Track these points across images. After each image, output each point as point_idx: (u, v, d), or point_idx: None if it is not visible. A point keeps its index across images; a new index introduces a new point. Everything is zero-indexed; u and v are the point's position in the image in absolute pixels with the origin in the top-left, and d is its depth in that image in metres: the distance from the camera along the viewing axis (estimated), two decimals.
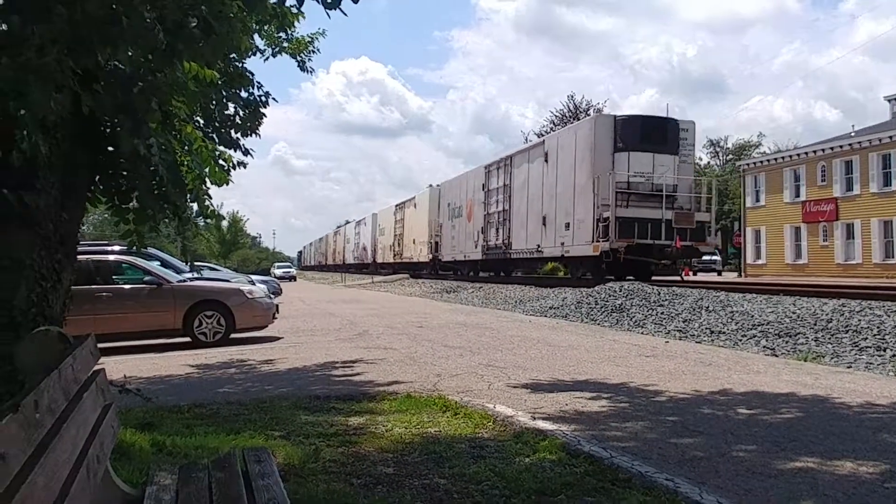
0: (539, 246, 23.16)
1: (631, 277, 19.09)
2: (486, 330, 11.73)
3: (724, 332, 10.35)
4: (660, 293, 14.34)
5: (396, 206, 45.50)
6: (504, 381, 6.67)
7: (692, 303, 12.86)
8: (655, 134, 19.72)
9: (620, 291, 15.22)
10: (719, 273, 42.11)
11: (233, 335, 11.01)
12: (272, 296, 13.23)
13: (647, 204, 19.35)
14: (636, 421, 4.95)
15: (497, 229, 26.82)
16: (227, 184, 5.53)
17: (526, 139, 57.18)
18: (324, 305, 20.27)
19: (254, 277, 20.37)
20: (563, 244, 21.43)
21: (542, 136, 39.25)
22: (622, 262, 18.79)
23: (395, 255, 44.18)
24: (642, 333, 11.24)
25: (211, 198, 5.08)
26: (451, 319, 14.00)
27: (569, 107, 57.90)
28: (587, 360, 8.09)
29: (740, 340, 9.73)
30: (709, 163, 62.33)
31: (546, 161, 22.76)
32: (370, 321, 13.94)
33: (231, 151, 6.29)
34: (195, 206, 4.62)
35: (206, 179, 5.15)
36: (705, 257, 45.27)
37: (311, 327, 13.05)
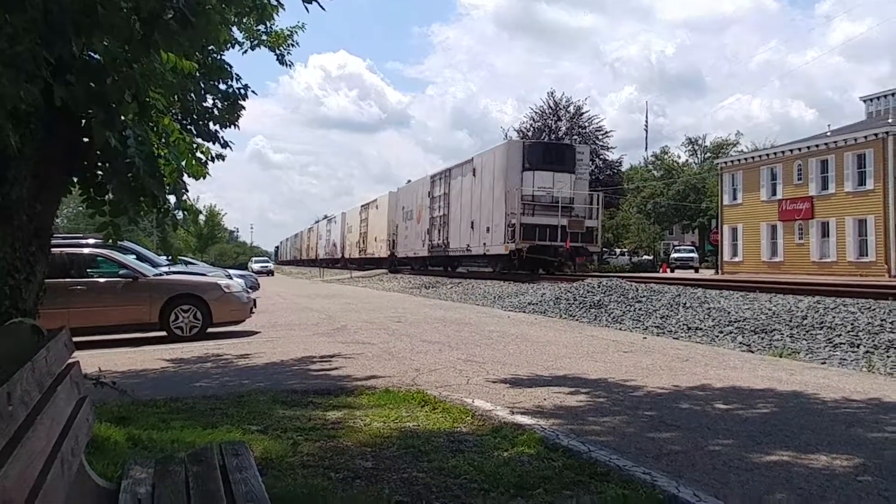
0: (469, 245, 28.68)
1: (542, 271, 24.86)
2: (464, 325, 11.74)
3: (701, 329, 10.48)
4: (637, 290, 14.48)
5: (362, 206, 50.51)
6: (483, 375, 6.68)
7: (670, 299, 13.00)
8: (556, 156, 25.38)
9: (599, 288, 15.34)
10: (696, 270, 42.61)
11: (209, 329, 10.92)
12: (250, 290, 13.16)
13: (548, 213, 24.48)
14: (614, 416, 4.99)
15: (439, 230, 32.29)
16: (204, 177, 5.42)
17: (506, 135, 57.58)
18: (302, 300, 20.18)
19: (231, 272, 20.25)
20: (485, 244, 26.89)
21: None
22: (525, 259, 24.57)
23: (360, 252, 49.05)
24: (620, 329, 11.33)
25: (188, 191, 5.03)
26: (430, 315, 14.01)
27: (549, 104, 58.14)
28: (565, 355, 8.12)
29: (717, 337, 9.85)
30: (687, 160, 62.92)
31: (474, 175, 28.14)
32: (348, 316, 13.90)
33: (210, 144, 6.14)
34: (173, 198, 4.57)
35: (185, 172, 5.08)
36: (683, 254, 46.22)
37: (289, 322, 12.98)
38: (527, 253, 24.35)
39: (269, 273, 53.73)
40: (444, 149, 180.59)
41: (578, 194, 25.16)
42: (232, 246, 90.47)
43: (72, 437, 1.79)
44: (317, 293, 24.65)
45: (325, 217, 73.24)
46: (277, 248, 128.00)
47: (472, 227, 28.13)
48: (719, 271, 38.74)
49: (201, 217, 64.61)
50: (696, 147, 63.67)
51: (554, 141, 27.05)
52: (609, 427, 4.67)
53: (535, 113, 58.15)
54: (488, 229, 26.33)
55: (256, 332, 11.15)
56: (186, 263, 18.99)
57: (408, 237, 37.69)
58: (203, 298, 10.88)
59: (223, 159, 6.10)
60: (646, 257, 52.77)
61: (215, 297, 10.97)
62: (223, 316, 11.02)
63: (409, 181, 41.13)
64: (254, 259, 63.28)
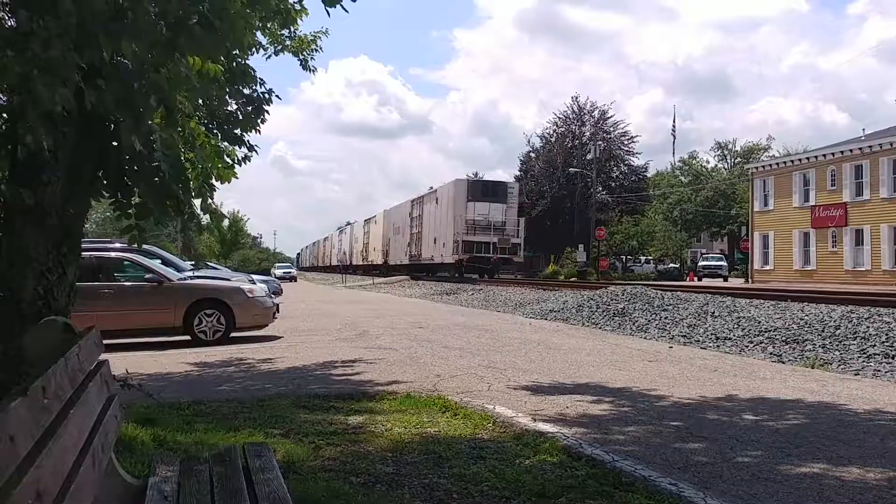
0: (433, 256, 39.35)
1: (485, 276, 34.78)
2: (486, 332, 11.81)
3: (729, 338, 10.36)
4: (663, 298, 14.34)
5: (365, 221, 62.28)
6: (504, 382, 6.70)
7: (697, 308, 12.86)
8: (492, 191, 36.48)
9: (623, 295, 15.23)
10: (725, 279, 42.04)
11: (233, 334, 11.03)
12: (273, 295, 13.29)
13: (484, 233, 35.61)
14: (639, 425, 4.96)
15: (415, 244, 43.44)
16: (230, 180, 5.48)
17: (528, 141, 58.84)
18: (324, 306, 20.42)
19: (254, 277, 20.53)
20: (441, 255, 37.70)
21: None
22: (466, 267, 35.60)
23: (363, 259, 59.71)
24: (645, 338, 11.25)
25: (213, 195, 5.12)
26: (452, 321, 14.11)
27: (573, 108, 58.05)
28: (588, 363, 8.10)
29: (746, 347, 9.73)
30: (716, 165, 62.20)
31: (437, 203, 39.32)
32: (370, 322, 14.03)
33: (235, 147, 6.15)
34: (198, 202, 4.66)
35: (212, 175, 5.08)
36: (711, 262, 45.80)
37: (311, 327, 13.13)
38: (466, 262, 35.39)
39: (292, 279, 54.87)
40: (465, 156, 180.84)
41: (509, 219, 35.92)
42: (255, 252, 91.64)
43: (102, 433, 1.84)
44: (339, 299, 24.94)
45: (339, 228, 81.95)
46: (299, 254, 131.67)
47: (434, 242, 39.00)
48: (749, 280, 38.20)
49: (225, 222, 65.53)
50: (726, 152, 62.96)
51: (491, 180, 39.53)
52: (634, 437, 4.64)
53: (559, 118, 58.21)
54: (444, 244, 37.14)
55: (279, 337, 11.29)
56: (212, 268, 19.28)
57: (395, 249, 48.31)
58: (227, 303, 10.97)
59: (249, 160, 6.14)
60: (672, 265, 52.23)
61: (239, 302, 11.07)
62: (246, 321, 11.13)
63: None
64: (277, 265, 64.88)
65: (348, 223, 79.30)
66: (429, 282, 34.47)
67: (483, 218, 35.59)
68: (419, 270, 42.75)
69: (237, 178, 5.66)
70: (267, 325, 11.63)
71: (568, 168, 51.82)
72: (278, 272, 53.69)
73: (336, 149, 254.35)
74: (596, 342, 10.44)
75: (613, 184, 56.09)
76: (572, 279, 36.90)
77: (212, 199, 4.89)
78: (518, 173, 58.53)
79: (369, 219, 60.43)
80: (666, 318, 12.59)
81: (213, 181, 5.06)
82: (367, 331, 12.17)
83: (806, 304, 12.36)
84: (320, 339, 10.92)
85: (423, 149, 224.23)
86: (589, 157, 51.07)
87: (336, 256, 73.11)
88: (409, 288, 31.90)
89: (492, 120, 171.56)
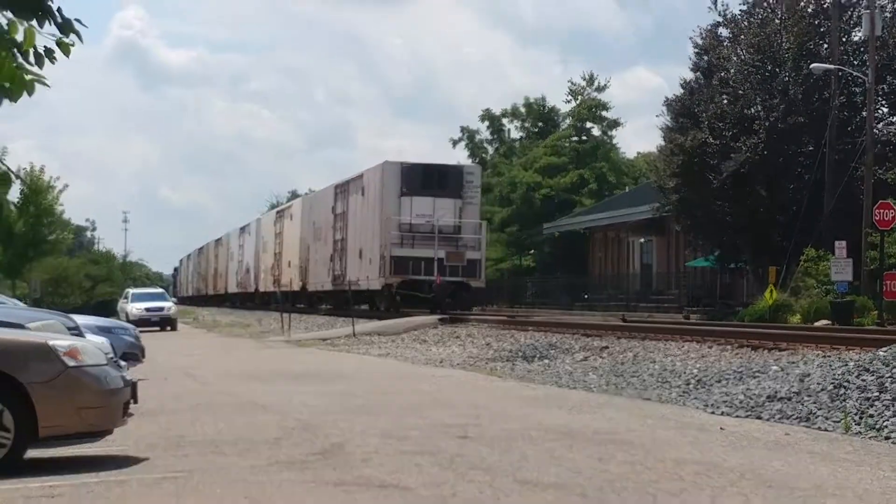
0: (358, 279, 50.72)
1: (438, 310, 44.88)
2: (617, 447, 11.82)
3: None
4: None
5: (277, 212, 75.67)
6: None
7: None
8: (438, 180, 48.03)
9: None
10: None
11: (32, 452, 10.88)
12: (124, 363, 13.16)
13: (427, 243, 46.13)
14: None
15: (340, 258, 54.99)
16: (18, 96, 6.16)
17: (713, 2, 58.10)
18: (241, 385, 20.63)
19: (81, 319, 20.53)
20: (368, 278, 49.48)
21: None
22: (401, 296, 47.20)
23: (274, 281, 69.88)
24: None
25: None
26: (536, 420, 14.33)
27: None
28: None
29: None
30: None
31: (363, 195, 51.31)
32: (349, 422, 14.05)
33: (30, 23, 6.46)
34: None
35: None
36: None
37: (214, 435, 13.00)
38: (397, 288, 46.90)
39: (167, 323, 56.04)
40: (561, 34, 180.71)
41: (465, 223, 47.53)
42: (81, 261, 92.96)
43: None
44: (275, 368, 25.31)
45: (241, 227, 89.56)
46: (177, 270, 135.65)
47: (360, 257, 50.87)
48: None
49: (12, 192, 65.44)
50: None
51: (437, 163, 49.95)
52: None
53: None
54: (370, 260, 48.86)
55: (141, 459, 11.18)
56: None
57: (316, 263, 60.26)
58: (15, 380, 10.63)
59: (66, 53, 6.54)
60: None
61: (43, 379, 10.66)
62: (62, 421, 10.71)
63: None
64: (131, 292, 64.45)
65: (257, 220, 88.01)
66: (483, 329, 35.52)
67: (425, 221, 46.70)
68: (346, 302, 52.84)
69: (48, 84, 6.43)
70: (111, 431, 11.39)
71: (807, 62, 48.97)
72: (135, 308, 54.94)
73: (261, 20, 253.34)
74: (879, 473, 10.23)
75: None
76: (820, 323, 35.43)
77: None
78: (688, 80, 55.86)
79: (283, 210, 74.67)
80: None
81: None
82: (340, 444, 12.15)
83: None
84: (234, 465, 10.83)
85: (459, 17, 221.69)
86: (859, 36, 49.61)
87: (235, 276, 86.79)
88: (440, 345, 32.70)
89: None
